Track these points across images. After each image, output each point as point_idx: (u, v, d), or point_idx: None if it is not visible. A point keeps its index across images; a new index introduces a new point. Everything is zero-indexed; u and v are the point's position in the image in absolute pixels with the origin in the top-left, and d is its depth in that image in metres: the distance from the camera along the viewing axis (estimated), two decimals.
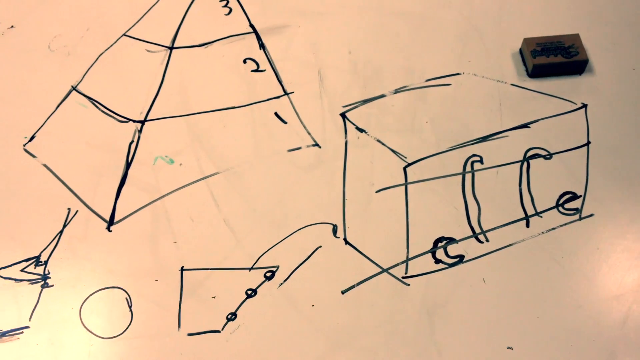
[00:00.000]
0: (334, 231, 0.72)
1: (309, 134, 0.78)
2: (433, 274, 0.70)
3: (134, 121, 0.79)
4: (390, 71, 0.83)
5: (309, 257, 0.71)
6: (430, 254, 0.71)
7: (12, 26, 0.86)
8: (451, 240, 0.71)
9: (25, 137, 0.78)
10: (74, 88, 0.81)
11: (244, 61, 0.83)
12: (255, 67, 0.83)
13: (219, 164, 0.76)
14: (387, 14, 0.87)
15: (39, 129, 0.78)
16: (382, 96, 0.81)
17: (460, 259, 0.70)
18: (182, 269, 0.70)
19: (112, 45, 0.84)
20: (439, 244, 0.71)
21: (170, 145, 0.77)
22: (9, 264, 0.70)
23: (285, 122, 0.79)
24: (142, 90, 0.81)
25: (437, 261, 0.70)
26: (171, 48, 0.84)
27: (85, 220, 0.72)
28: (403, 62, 0.84)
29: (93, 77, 0.82)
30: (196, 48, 0.84)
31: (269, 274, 0.70)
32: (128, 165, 0.76)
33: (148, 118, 0.79)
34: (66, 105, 0.80)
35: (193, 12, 0.87)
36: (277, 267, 0.70)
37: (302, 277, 0.69)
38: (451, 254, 0.71)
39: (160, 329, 0.67)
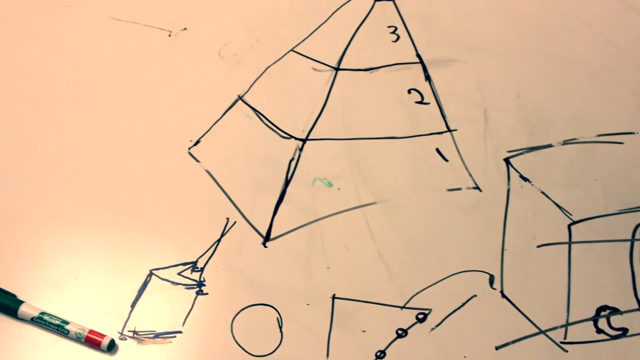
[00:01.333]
0: (491, 282, 0.70)
1: (470, 175, 0.76)
2: (593, 343, 0.66)
3: (296, 138, 0.79)
4: (560, 120, 0.80)
5: (463, 304, 0.69)
6: (592, 322, 0.67)
7: (185, 28, 0.88)
8: (615, 311, 0.68)
9: (191, 141, 0.79)
10: (240, 97, 0.82)
11: (409, 91, 0.82)
12: (419, 99, 0.82)
13: (377, 194, 0.75)
14: (560, 59, 0.84)
15: (204, 134, 0.79)
16: (550, 146, 0.78)
17: (624, 332, 0.67)
18: (333, 297, 0.69)
19: (279, 59, 0.85)
20: (602, 313, 0.68)
21: (330, 168, 0.77)
22: (167, 265, 0.71)
23: (447, 160, 0.77)
24: (306, 108, 0.81)
25: (599, 331, 0.67)
26: (337, 69, 0.84)
27: (243, 233, 0.73)
28: (574, 113, 0.80)
29: (259, 88, 0.83)
30: (361, 72, 0.84)
31: (421, 316, 0.68)
32: (287, 182, 0.76)
33: (310, 137, 0.79)
34: (231, 113, 0.81)
35: (361, 35, 0.87)
36: (430, 310, 0.68)
37: (455, 325, 0.68)
38: (614, 325, 0.67)
39: (309, 356, 0.66)
